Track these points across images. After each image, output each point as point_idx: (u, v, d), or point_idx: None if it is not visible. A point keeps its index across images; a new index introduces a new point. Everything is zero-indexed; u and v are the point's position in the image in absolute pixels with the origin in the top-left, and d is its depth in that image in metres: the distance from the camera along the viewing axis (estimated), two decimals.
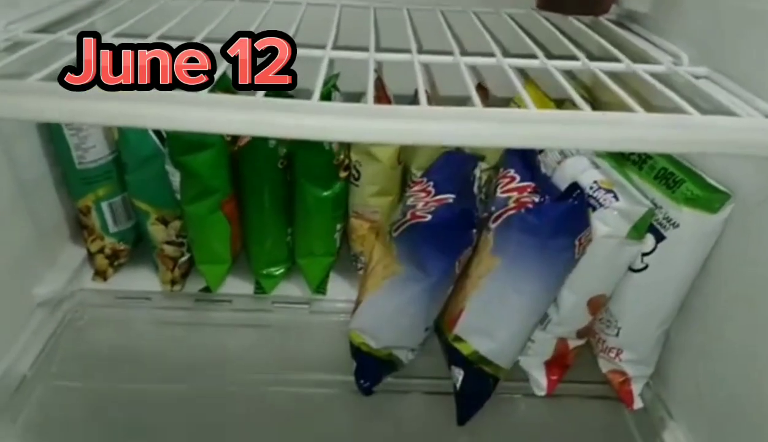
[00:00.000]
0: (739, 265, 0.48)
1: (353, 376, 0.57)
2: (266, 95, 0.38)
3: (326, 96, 0.68)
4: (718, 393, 0.51)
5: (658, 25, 0.59)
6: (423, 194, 0.54)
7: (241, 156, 0.61)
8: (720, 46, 0.50)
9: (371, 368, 0.56)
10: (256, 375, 0.59)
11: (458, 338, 0.53)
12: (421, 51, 0.50)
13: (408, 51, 0.49)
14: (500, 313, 0.51)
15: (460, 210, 0.51)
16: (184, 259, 0.68)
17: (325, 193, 0.63)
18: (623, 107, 0.42)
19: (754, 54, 0.46)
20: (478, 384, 0.53)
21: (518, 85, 0.43)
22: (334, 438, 0.54)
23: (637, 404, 0.56)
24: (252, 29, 0.54)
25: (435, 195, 0.53)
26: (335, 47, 0.50)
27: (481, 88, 0.71)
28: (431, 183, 0.55)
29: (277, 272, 0.69)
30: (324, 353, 0.61)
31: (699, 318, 0.53)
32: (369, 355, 0.55)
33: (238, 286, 0.69)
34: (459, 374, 0.53)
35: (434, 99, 0.73)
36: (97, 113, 0.36)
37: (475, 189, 0.56)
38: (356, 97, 0.73)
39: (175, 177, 0.62)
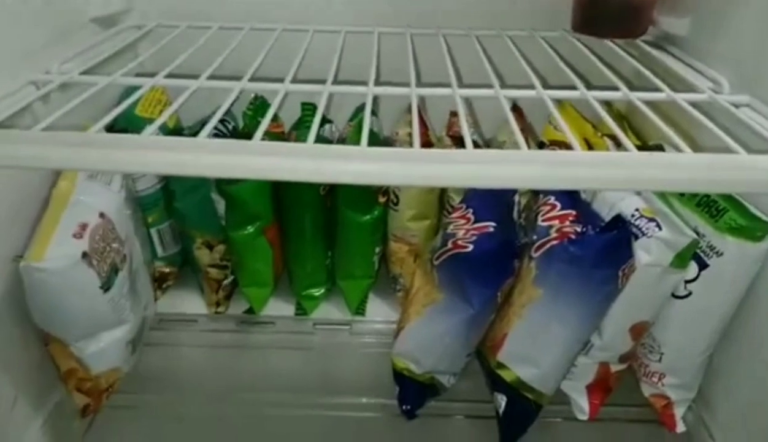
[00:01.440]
0: None
1: (395, 400, 0.58)
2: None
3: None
4: (763, 417, 0.51)
5: (696, 48, 0.59)
6: (463, 221, 0.55)
7: (284, 184, 0.63)
8: (761, 72, 0.49)
9: (414, 392, 0.57)
10: (299, 398, 0.60)
11: (501, 365, 0.54)
12: (461, 84, 0.51)
13: (448, 85, 0.50)
14: (543, 341, 0.51)
15: (501, 241, 0.51)
16: (227, 281, 0.70)
17: (365, 218, 0.64)
18: (661, 136, 0.42)
19: None
20: (521, 410, 0.54)
21: (560, 120, 0.44)
22: None
23: (680, 427, 0.56)
24: (299, 58, 0.56)
25: (475, 222, 0.54)
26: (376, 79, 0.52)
27: (517, 109, 0.72)
28: (470, 210, 0.55)
29: (317, 293, 0.70)
30: (365, 375, 0.62)
31: (742, 343, 0.52)
32: (412, 380, 0.56)
33: (280, 307, 0.70)
34: (502, 400, 0.54)
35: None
36: (150, 163, 0.38)
37: (515, 214, 0.57)
38: (393, 119, 0.74)
39: (220, 204, 0.64)
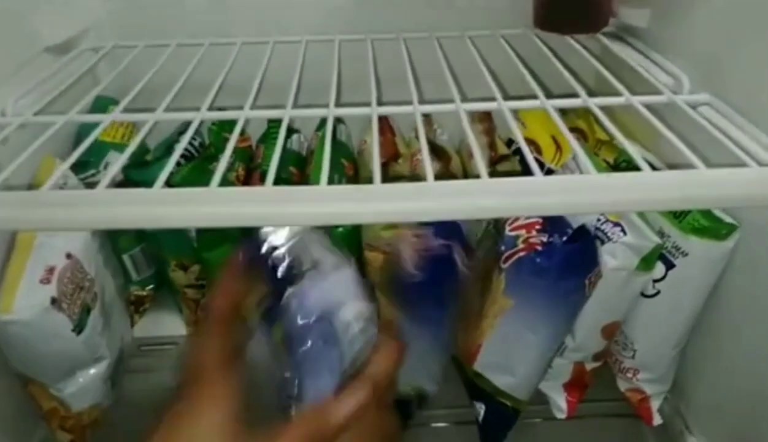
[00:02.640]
0: (749, 287, 0.49)
1: None
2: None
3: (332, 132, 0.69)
4: (736, 407, 0.52)
5: (658, 41, 0.59)
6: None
7: None
8: (722, 68, 0.49)
9: (402, 408, 0.57)
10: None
11: (478, 374, 0.55)
12: (421, 99, 0.51)
13: (409, 103, 0.50)
14: (517, 350, 0.52)
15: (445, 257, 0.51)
16: (205, 300, 0.70)
17: (338, 231, 0.64)
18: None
19: (757, 79, 0.45)
20: (500, 417, 0.55)
21: (518, 134, 0.44)
22: None
23: (656, 420, 0.58)
24: (260, 73, 0.55)
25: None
26: (337, 99, 0.52)
27: (485, 115, 0.71)
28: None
29: None
30: None
31: (713, 336, 0.54)
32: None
33: None
34: (480, 408, 0.55)
35: (435, 122, 0.74)
36: (108, 221, 0.38)
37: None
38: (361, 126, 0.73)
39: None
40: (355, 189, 0.38)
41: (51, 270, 0.50)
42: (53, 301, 0.49)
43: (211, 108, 0.51)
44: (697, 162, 0.39)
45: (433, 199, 0.37)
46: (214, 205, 0.37)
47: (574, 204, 0.37)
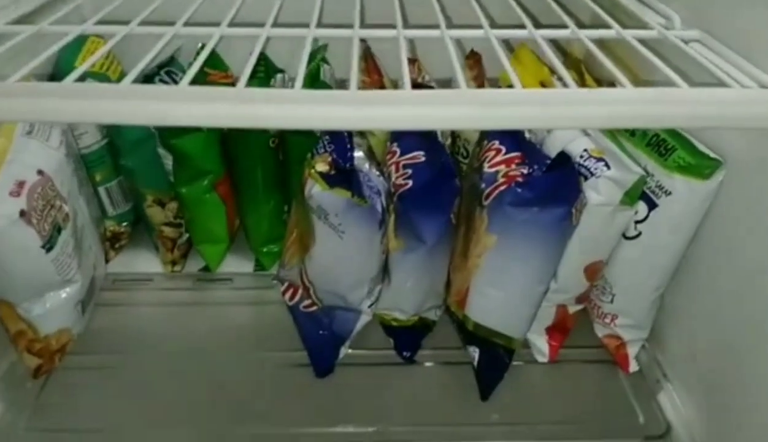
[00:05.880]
0: (731, 230, 0.48)
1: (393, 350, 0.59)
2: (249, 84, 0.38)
3: (315, 72, 0.67)
4: (712, 354, 0.51)
5: None
6: (389, 156, 0.54)
7: (232, 137, 0.61)
8: (712, 6, 0.48)
9: (408, 338, 0.58)
10: (261, 354, 0.60)
11: (468, 318, 0.54)
12: (406, 25, 0.49)
13: (393, 26, 0.49)
14: (505, 288, 0.51)
15: (438, 166, 0.51)
16: (182, 239, 0.69)
17: None
18: (613, 77, 0.41)
19: (747, 16, 0.45)
20: (494, 358, 0.55)
21: (504, 60, 0.43)
22: (351, 410, 0.55)
23: (633, 367, 0.57)
24: (235, 7, 0.54)
25: (401, 155, 0.53)
26: (320, 23, 0.50)
27: (474, 55, 0.70)
28: (395, 143, 0.54)
29: (276, 249, 0.69)
30: None
31: (692, 282, 0.53)
32: (402, 327, 0.57)
33: (238, 264, 0.70)
34: (475, 353, 0.55)
35: (424, 69, 0.72)
36: (67, 112, 0.36)
37: (440, 138, 0.56)
38: (347, 68, 0.72)
39: (168, 160, 0.62)
40: (329, 93, 0.37)
41: (21, 184, 0.49)
42: (22, 213, 0.47)
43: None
44: (680, 82, 0.38)
45: (410, 106, 0.36)
46: (181, 102, 0.36)
47: (553, 116, 0.36)
